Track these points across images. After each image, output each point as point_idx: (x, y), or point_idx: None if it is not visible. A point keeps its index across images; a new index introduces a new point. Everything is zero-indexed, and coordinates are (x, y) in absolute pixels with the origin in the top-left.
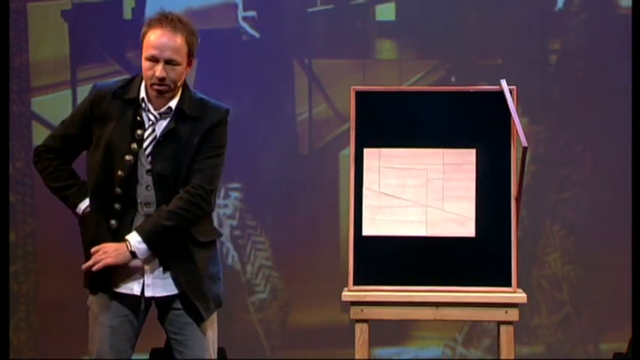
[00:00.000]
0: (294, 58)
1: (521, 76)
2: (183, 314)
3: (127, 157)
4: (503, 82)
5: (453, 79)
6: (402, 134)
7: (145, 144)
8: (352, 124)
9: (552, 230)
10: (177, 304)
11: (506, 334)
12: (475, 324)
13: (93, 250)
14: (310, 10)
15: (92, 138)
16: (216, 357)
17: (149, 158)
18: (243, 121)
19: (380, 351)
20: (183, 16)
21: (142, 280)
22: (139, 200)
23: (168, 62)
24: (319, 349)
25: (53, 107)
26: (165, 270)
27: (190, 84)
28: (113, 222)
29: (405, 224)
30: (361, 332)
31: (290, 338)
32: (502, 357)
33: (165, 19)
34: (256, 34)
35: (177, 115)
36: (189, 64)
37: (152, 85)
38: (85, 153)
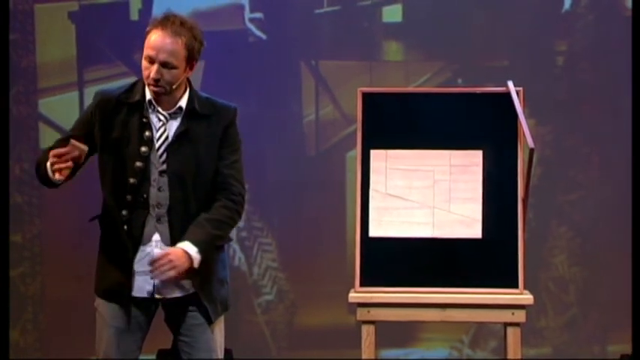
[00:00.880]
0: (301, 59)
1: (528, 77)
2: (191, 316)
3: (138, 164)
4: (510, 84)
5: (459, 80)
6: (409, 136)
7: (157, 145)
8: (359, 125)
9: (559, 232)
10: (186, 306)
11: (512, 335)
12: (482, 325)
13: (156, 256)
14: (317, 11)
15: (95, 144)
16: (223, 358)
17: (162, 159)
18: (249, 122)
19: (386, 352)
20: (189, 19)
21: (152, 282)
22: (150, 203)
23: (164, 65)
24: (326, 350)
25: (60, 109)
26: None
27: (197, 85)
28: (125, 226)
29: (412, 226)
30: (368, 333)
31: (296, 339)
32: (509, 358)
33: (168, 21)
34: (263, 36)
35: (189, 114)
36: (189, 67)
37: (149, 85)
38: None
